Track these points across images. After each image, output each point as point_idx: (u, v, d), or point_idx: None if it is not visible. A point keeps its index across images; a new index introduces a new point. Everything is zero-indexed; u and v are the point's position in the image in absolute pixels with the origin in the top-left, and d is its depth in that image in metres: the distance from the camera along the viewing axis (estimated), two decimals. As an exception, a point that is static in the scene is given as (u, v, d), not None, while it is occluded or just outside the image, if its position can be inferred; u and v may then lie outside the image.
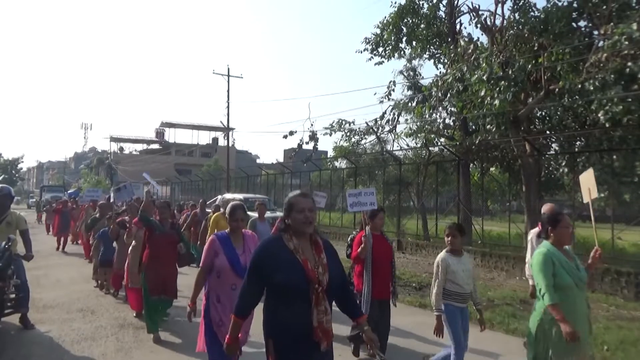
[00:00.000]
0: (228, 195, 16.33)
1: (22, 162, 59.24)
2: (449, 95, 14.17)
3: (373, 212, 5.13)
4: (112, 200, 10.93)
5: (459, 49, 13.78)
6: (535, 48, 12.01)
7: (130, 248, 6.51)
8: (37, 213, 28.54)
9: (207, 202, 13.90)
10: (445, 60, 15.89)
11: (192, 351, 4.72)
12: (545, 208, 5.15)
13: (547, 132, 14.07)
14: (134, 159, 56.16)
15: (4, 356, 5.07)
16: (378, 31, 17.59)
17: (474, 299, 4.41)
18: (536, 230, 5.41)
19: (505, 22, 13.44)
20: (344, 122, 19.98)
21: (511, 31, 12.98)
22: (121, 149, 64.07)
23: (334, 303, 2.58)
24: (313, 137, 19.48)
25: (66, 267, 10.97)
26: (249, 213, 10.19)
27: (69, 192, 35.89)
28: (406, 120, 19.33)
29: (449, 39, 16.02)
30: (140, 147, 66.21)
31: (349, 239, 5.47)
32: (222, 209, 9.15)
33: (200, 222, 10.36)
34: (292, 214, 2.54)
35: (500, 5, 13.52)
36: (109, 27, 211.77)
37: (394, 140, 21.37)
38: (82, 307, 7.28)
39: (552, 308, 3.19)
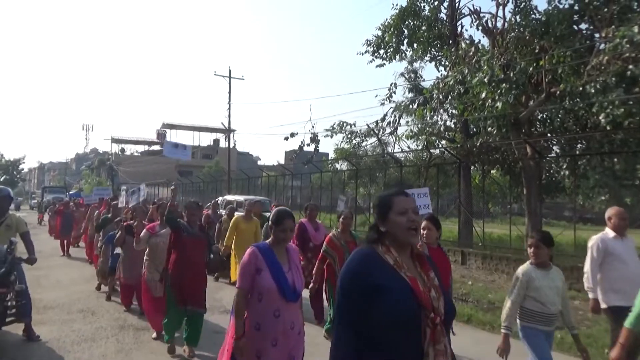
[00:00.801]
0: (229, 197, 16.34)
1: (24, 162, 59.51)
2: (450, 97, 14.17)
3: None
4: (122, 203, 10.84)
5: (460, 52, 13.80)
6: (537, 51, 12.02)
7: (145, 257, 5.85)
8: (38, 214, 28.01)
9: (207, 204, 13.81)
10: (447, 63, 15.91)
11: (201, 356, 4.73)
12: (612, 212, 4.66)
13: (548, 134, 14.07)
14: (135, 160, 56.21)
15: (5, 357, 5.07)
16: (379, 33, 17.61)
17: (566, 322, 3.77)
18: (599, 236, 4.73)
19: (506, 24, 13.46)
20: (345, 124, 20.00)
21: (512, 34, 12.99)
22: (122, 150, 64.17)
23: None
24: (314, 139, 19.49)
25: (67, 267, 10.97)
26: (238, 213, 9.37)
27: (70, 193, 35.83)
28: (407, 122, 19.37)
29: (450, 42, 16.03)
30: (142, 148, 66.27)
31: None
32: (237, 211, 8.88)
33: (213, 224, 9.95)
34: (390, 217, 1.86)
35: (501, 7, 13.54)
36: (111, 29, 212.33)
37: (395, 143, 21.39)
38: (82, 308, 7.28)
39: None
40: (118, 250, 6.83)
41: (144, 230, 5.77)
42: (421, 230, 3.78)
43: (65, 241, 13.72)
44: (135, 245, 5.75)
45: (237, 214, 9.18)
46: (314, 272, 5.89)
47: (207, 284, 5.26)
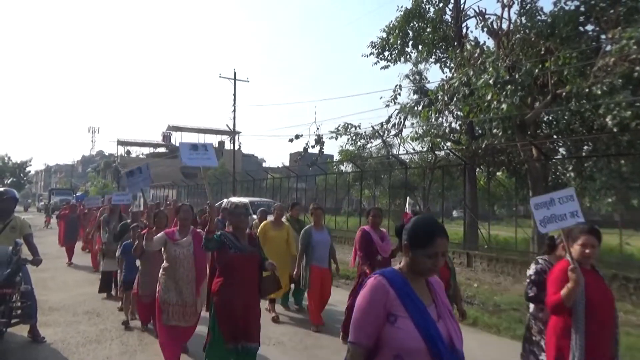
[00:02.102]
0: (234, 199, 16.37)
1: (30, 165, 59.60)
2: (455, 99, 14.14)
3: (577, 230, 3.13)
4: (139, 206, 10.43)
5: (465, 53, 13.76)
6: (542, 52, 11.97)
7: (161, 272, 4.70)
8: (45, 217, 26.44)
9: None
10: (452, 64, 15.87)
11: (200, 356, 4.72)
12: None
13: (554, 136, 14.00)
14: (141, 163, 56.33)
15: (11, 358, 5.09)
16: (384, 35, 17.61)
17: None
18: None
19: (511, 26, 13.42)
20: (349, 126, 20.01)
21: (518, 35, 12.95)
22: (128, 152, 64.34)
23: None
24: (319, 140, 19.50)
25: (73, 269, 11.02)
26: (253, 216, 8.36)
27: (76, 195, 35.92)
28: (412, 124, 19.32)
29: (455, 43, 16.00)
30: (147, 150, 66.50)
31: (530, 271, 3.56)
32: (270, 215, 7.35)
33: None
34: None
35: (506, 9, 13.50)
36: (116, 32, 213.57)
37: (399, 144, 21.37)
38: (87, 309, 7.30)
39: None
40: (137, 262, 5.83)
41: (162, 233, 4.71)
42: (584, 249, 3.01)
43: (70, 248, 12.33)
44: (146, 244, 4.58)
45: (269, 218, 7.77)
46: None
47: (261, 312, 4.22)
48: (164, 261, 4.71)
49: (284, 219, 7.36)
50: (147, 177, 6.08)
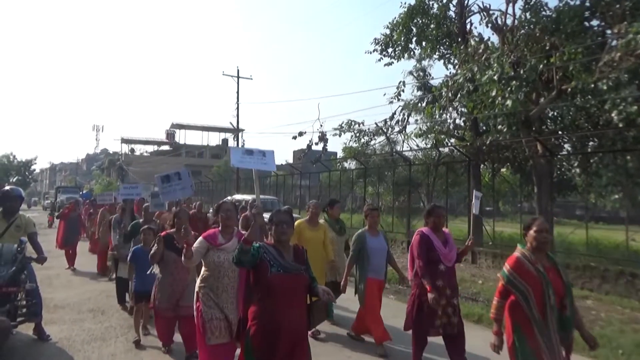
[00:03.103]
0: (238, 196, 16.36)
1: (35, 163, 59.89)
2: (459, 95, 14.06)
3: None
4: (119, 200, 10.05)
5: (469, 49, 13.67)
6: (547, 48, 11.87)
7: (199, 283, 4.03)
8: (48, 216, 25.36)
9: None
10: (456, 61, 15.78)
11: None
12: None
13: (559, 132, 13.91)
14: (145, 160, 56.56)
15: (15, 356, 5.10)
16: (388, 32, 17.52)
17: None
18: None
19: (516, 21, 13.31)
20: (353, 123, 19.92)
21: (522, 31, 12.84)
22: (132, 150, 64.55)
23: None
24: (322, 137, 19.45)
25: (78, 267, 11.05)
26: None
27: (82, 193, 35.73)
28: (416, 120, 19.25)
29: (459, 39, 15.90)
30: (151, 148, 66.68)
31: None
32: (310, 212, 6.32)
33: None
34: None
35: (511, 4, 13.39)
36: (120, 30, 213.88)
37: (403, 141, 21.28)
38: (92, 307, 7.33)
39: None
40: (155, 270, 4.95)
41: (200, 239, 3.96)
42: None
43: (70, 251, 11.20)
44: (185, 260, 3.73)
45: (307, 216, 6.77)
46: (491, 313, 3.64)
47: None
48: (203, 270, 3.97)
49: (321, 220, 6.39)
50: (187, 186, 4.82)
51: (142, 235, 5.71)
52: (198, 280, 4.04)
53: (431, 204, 5.11)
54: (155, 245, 4.73)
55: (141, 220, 6.71)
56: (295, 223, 5.58)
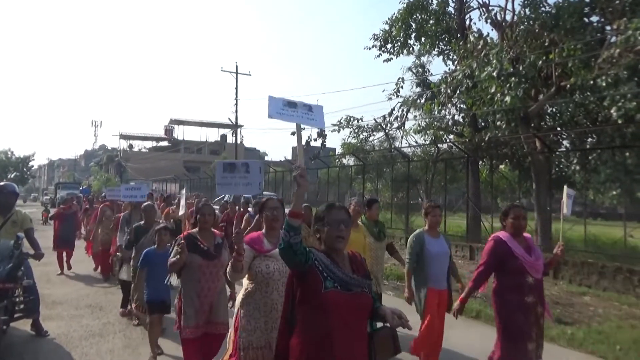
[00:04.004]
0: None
1: (33, 159, 59.59)
2: (458, 91, 14.05)
3: None
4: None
5: (468, 45, 13.65)
6: (546, 44, 11.84)
7: (241, 297, 3.29)
8: (42, 213, 23.58)
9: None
10: (455, 57, 15.75)
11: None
12: None
13: (558, 128, 13.91)
14: (143, 156, 56.51)
15: (13, 352, 5.10)
16: (387, 27, 17.47)
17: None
18: None
19: (515, 17, 13.29)
20: (352, 119, 19.90)
21: (522, 27, 12.82)
22: (130, 146, 64.41)
23: None
24: (321, 134, 19.42)
25: (75, 263, 11.03)
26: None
27: (81, 188, 35.46)
28: (415, 117, 19.22)
29: (459, 35, 15.88)
30: (149, 144, 66.62)
31: None
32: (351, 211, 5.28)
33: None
34: None
35: (510, 0, 13.37)
36: (118, 26, 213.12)
37: (402, 137, 21.26)
38: (90, 303, 7.33)
39: None
40: (174, 280, 4.11)
41: (244, 246, 3.10)
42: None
43: (64, 253, 10.12)
44: (233, 273, 3.08)
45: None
46: None
47: None
48: (247, 283, 3.24)
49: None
50: (255, 183, 3.39)
51: (156, 236, 4.99)
52: (240, 296, 3.29)
53: (509, 203, 4.36)
54: (176, 250, 3.77)
55: (142, 223, 5.93)
56: None
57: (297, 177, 2.21)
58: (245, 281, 3.27)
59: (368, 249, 5.24)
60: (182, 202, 5.11)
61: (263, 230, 3.38)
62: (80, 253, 11.45)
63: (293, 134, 19.86)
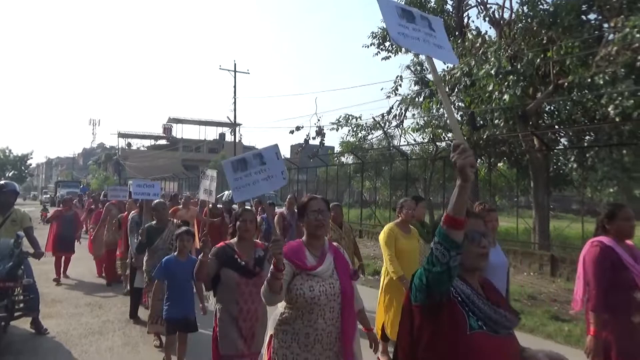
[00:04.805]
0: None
1: (32, 158, 59.67)
2: (456, 89, 14.06)
3: None
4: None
5: (466, 43, 13.66)
6: (544, 41, 11.87)
7: (278, 320, 2.59)
8: (41, 212, 22.42)
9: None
10: (453, 55, 15.76)
11: (199, 348, 4.74)
12: None
13: (556, 126, 13.94)
14: (142, 155, 56.46)
15: (12, 349, 5.11)
16: (385, 25, 17.48)
17: None
18: None
19: (513, 15, 13.30)
20: (350, 118, 19.91)
21: (520, 24, 12.83)
22: (129, 144, 64.37)
23: None
24: (320, 132, 19.44)
25: (75, 262, 11.02)
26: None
27: (81, 187, 35.18)
28: (413, 115, 19.25)
29: (457, 33, 15.88)
30: (148, 142, 66.58)
31: None
32: (404, 212, 4.71)
33: (289, 230, 7.05)
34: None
35: (508, -2, 13.38)
36: (117, 24, 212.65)
37: (401, 136, 21.30)
38: (90, 301, 7.34)
39: None
40: (209, 301, 3.79)
41: (282, 259, 2.33)
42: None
43: (63, 258, 9.26)
44: (267, 295, 2.36)
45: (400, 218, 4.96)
46: None
47: None
48: (284, 307, 2.56)
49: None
50: (277, 174, 2.64)
51: (177, 241, 4.38)
52: (272, 321, 2.63)
53: (615, 202, 3.79)
54: (203, 259, 3.09)
55: (154, 223, 5.42)
56: (387, 228, 4.58)
57: (459, 162, 1.49)
58: (281, 306, 2.57)
59: (420, 254, 4.61)
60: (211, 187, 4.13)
61: (303, 239, 2.63)
62: (80, 252, 11.43)
63: (292, 132, 19.89)
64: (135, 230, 6.21)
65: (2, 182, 5.89)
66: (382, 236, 4.60)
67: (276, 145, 2.73)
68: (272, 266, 2.24)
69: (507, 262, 3.94)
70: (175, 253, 4.39)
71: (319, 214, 2.58)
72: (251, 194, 2.61)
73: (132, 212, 6.90)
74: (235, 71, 28.91)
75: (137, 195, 6.11)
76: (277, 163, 2.68)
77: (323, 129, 19.42)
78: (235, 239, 3.35)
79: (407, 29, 1.93)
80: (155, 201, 5.66)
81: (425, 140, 19.59)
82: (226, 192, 16.19)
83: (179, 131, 62.55)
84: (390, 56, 18.03)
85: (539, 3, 13.13)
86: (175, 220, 5.40)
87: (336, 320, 2.49)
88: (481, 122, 15.77)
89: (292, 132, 20.03)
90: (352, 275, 2.63)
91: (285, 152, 53.24)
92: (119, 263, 7.95)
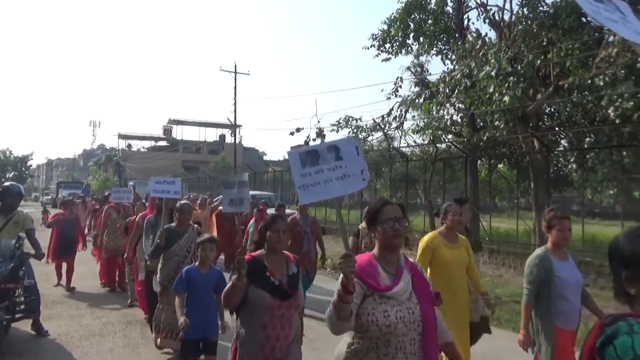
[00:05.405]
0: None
1: (32, 159, 59.58)
2: (456, 91, 14.07)
3: None
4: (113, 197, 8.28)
5: (466, 45, 13.68)
6: (544, 43, 11.89)
7: (341, 354, 2.18)
8: (42, 215, 21.81)
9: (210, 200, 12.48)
10: (453, 56, 15.78)
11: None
12: None
13: (556, 128, 13.95)
14: (142, 156, 56.46)
15: (13, 351, 5.12)
16: (385, 27, 17.49)
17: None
18: None
19: (513, 17, 13.32)
20: (351, 119, 19.92)
21: (520, 26, 12.86)
22: (129, 146, 64.35)
23: None
24: (320, 133, 19.42)
25: (76, 263, 11.04)
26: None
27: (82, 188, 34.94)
28: (413, 116, 19.25)
29: (457, 35, 15.91)
30: (148, 144, 66.56)
31: None
32: (449, 219, 4.05)
33: (301, 237, 6.48)
34: None
35: (508, 0, 13.40)
36: (117, 25, 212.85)
37: (401, 137, 21.28)
38: (90, 303, 7.35)
39: None
40: (230, 320, 3.10)
41: (353, 278, 1.88)
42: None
43: (64, 264, 8.72)
44: (335, 323, 1.98)
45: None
46: None
47: None
48: (352, 337, 2.13)
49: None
50: (356, 171, 2.18)
51: (199, 250, 3.87)
52: (338, 352, 2.19)
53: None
54: (235, 275, 2.57)
55: (174, 225, 4.85)
56: (427, 237, 4.03)
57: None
58: (349, 336, 2.13)
59: (474, 265, 4.12)
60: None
61: (375, 253, 2.22)
62: (81, 253, 11.42)
63: (292, 134, 19.90)
64: (150, 232, 5.53)
65: (7, 184, 5.93)
66: (420, 245, 4.02)
67: (357, 139, 2.17)
68: (339, 286, 1.87)
69: (582, 280, 3.61)
70: (196, 263, 3.91)
71: (395, 222, 2.16)
72: (321, 196, 2.15)
73: (139, 214, 6.37)
74: (235, 72, 28.95)
75: (157, 193, 5.52)
76: (356, 160, 2.21)
77: (323, 131, 19.42)
78: (262, 251, 2.82)
79: (599, 7, 1.82)
80: (181, 202, 5.08)
81: (425, 142, 19.60)
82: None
83: (179, 132, 62.55)
84: (390, 58, 18.04)
85: (539, 5, 13.17)
86: (196, 226, 4.91)
87: (418, 356, 2.06)
88: (481, 123, 15.79)
89: (292, 133, 20.04)
90: (434, 300, 2.19)
91: (286, 154, 53.23)
92: (127, 269, 7.43)
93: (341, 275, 1.86)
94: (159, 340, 4.80)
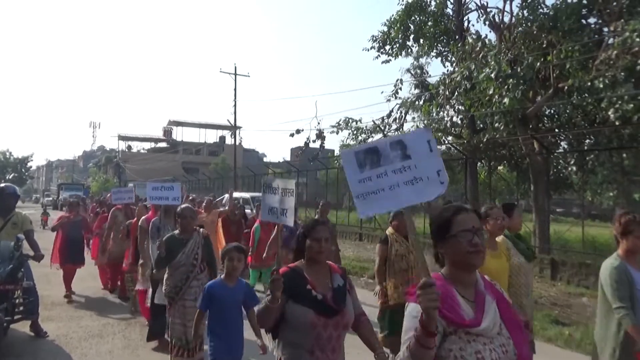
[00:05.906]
0: (235, 194, 16.30)
1: (32, 160, 59.56)
2: (456, 93, 14.08)
3: None
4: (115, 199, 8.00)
5: (466, 47, 13.70)
6: (544, 45, 11.90)
7: None
8: (42, 217, 21.39)
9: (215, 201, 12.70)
10: (453, 58, 15.79)
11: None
12: None
13: (556, 130, 13.96)
14: (142, 158, 56.46)
15: (12, 353, 5.11)
16: (385, 29, 17.51)
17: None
18: None
19: (513, 19, 13.35)
20: (351, 121, 19.93)
21: (520, 28, 12.88)
22: (129, 147, 64.37)
23: None
24: (320, 135, 19.43)
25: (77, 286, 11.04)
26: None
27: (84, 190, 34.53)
28: (413, 118, 19.26)
29: (457, 37, 15.92)
30: (148, 145, 66.56)
31: None
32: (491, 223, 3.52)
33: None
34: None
35: (508, 2, 13.43)
36: (117, 26, 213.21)
37: (401, 139, 21.29)
38: (89, 304, 7.35)
39: None
40: (269, 344, 2.60)
41: (436, 316, 1.44)
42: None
43: (70, 272, 8.11)
44: None
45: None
46: None
47: None
48: None
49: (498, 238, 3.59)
50: (431, 172, 1.76)
51: (226, 260, 3.45)
52: None
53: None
54: (272, 305, 2.21)
55: (177, 232, 4.38)
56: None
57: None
58: None
59: (516, 273, 3.55)
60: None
61: (444, 273, 1.76)
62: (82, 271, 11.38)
63: (292, 135, 19.85)
64: (156, 236, 5.09)
65: (2, 185, 5.90)
66: None
67: (429, 131, 1.83)
68: (419, 327, 1.46)
69: None
70: (222, 276, 3.50)
71: (474, 234, 1.69)
72: (386, 206, 1.72)
73: (142, 217, 6.03)
74: (235, 74, 28.95)
75: (153, 200, 5.14)
76: (429, 158, 1.75)
77: (323, 132, 19.41)
78: (302, 261, 2.44)
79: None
80: (182, 206, 4.51)
81: (426, 143, 19.60)
82: (226, 196, 16.17)
83: (179, 134, 62.56)
84: (390, 59, 18.06)
85: (539, 7, 13.19)
86: (201, 230, 4.48)
87: None
88: (481, 125, 15.80)
89: (292, 135, 19.99)
90: (525, 331, 1.79)
91: (286, 155, 53.27)
92: (128, 277, 7.19)
93: (419, 311, 1.47)
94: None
